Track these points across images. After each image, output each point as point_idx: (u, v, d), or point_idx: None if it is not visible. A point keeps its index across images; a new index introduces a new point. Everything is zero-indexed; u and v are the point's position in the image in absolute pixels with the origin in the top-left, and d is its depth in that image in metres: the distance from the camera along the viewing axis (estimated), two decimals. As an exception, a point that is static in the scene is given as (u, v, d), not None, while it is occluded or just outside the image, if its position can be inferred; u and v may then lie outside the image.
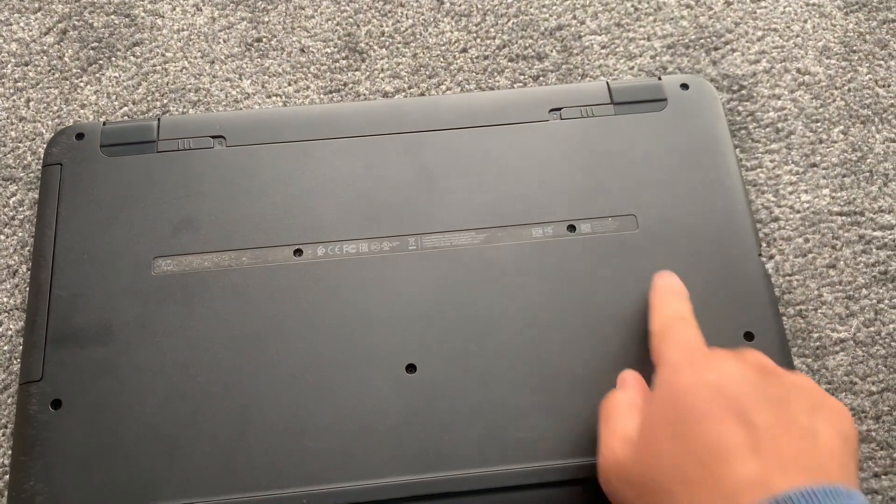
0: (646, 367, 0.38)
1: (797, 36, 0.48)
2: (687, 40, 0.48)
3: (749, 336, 0.39)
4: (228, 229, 0.41)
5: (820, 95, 0.46)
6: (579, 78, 0.47)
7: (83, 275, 0.39)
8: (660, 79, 0.45)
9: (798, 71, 0.47)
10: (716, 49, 0.48)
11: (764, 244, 0.43)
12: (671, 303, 0.37)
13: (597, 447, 0.34)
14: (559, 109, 0.44)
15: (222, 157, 0.42)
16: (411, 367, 0.38)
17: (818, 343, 0.41)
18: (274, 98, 0.46)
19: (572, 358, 0.38)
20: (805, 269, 0.42)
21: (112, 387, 0.37)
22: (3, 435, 0.39)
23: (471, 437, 0.36)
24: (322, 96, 0.46)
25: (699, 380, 0.31)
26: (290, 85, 0.47)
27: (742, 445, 0.28)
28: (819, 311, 0.41)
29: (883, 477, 0.38)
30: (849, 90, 0.47)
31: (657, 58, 0.48)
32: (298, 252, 0.40)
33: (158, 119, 0.43)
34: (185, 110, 0.46)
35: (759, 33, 0.48)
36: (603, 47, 0.48)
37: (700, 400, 0.30)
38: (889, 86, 0.47)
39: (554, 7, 0.49)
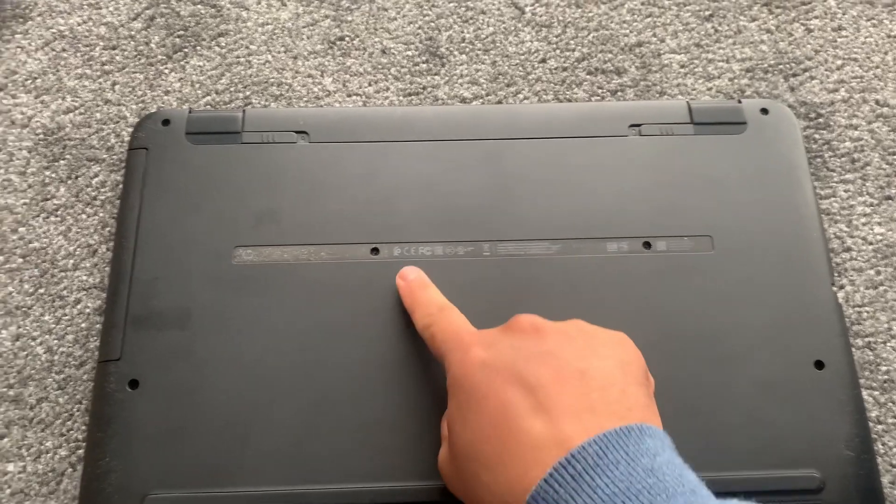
0: (720, 388, 0.38)
1: (877, 67, 0.48)
2: (766, 65, 0.48)
3: (819, 364, 0.39)
4: (308, 224, 0.41)
5: (898, 128, 0.46)
6: (657, 95, 0.47)
7: (164, 259, 0.40)
8: (740, 102, 0.45)
9: (877, 102, 0.47)
10: (794, 75, 0.48)
11: (835, 274, 0.43)
12: (424, 296, 0.38)
13: None
14: (639, 125, 0.44)
15: (304, 152, 0.43)
16: (482, 372, 0.38)
17: (886, 376, 0.41)
18: (354, 97, 0.47)
19: (642, 374, 0.38)
20: (875, 302, 0.42)
21: (188, 371, 0.38)
22: (78, 410, 0.39)
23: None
24: (401, 98, 0.47)
25: (473, 362, 0.31)
26: (370, 85, 0.47)
27: (527, 410, 0.28)
28: (888, 344, 0.41)
29: (947, 515, 0.38)
30: (927, 125, 0.46)
31: (735, 80, 0.48)
32: (375, 251, 0.41)
33: (243, 111, 0.44)
34: (266, 103, 0.46)
35: (839, 62, 0.48)
36: (682, 66, 0.48)
37: (477, 381, 0.30)
38: (968, 123, 0.47)
39: (634, 23, 0.49)
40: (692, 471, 0.28)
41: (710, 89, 0.47)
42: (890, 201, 0.45)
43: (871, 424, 0.39)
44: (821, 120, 0.47)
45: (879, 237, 0.44)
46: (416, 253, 0.41)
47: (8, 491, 0.38)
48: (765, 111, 0.45)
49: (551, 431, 0.27)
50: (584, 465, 0.26)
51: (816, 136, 0.46)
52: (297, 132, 0.43)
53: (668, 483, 0.26)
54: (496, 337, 0.32)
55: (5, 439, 0.39)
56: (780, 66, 0.48)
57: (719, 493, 0.27)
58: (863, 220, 0.44)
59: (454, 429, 0.31)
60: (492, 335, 0.32)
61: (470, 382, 0.31)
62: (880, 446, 0.39)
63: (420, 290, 0.38)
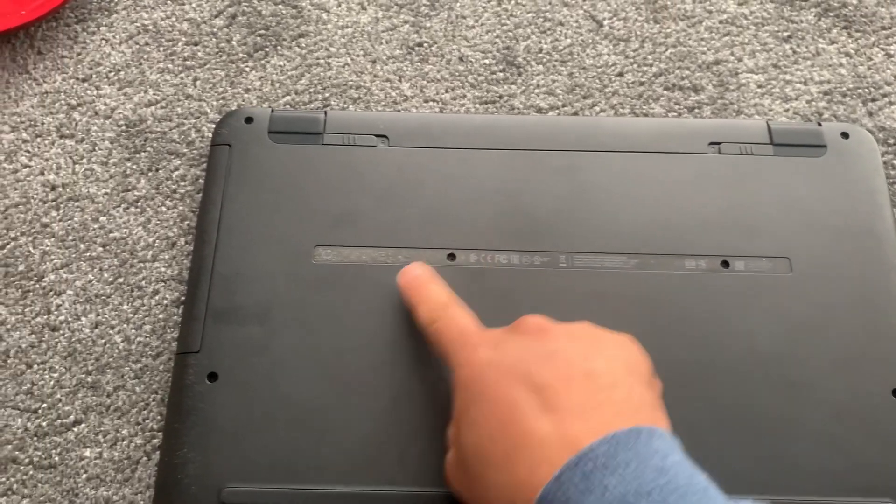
0: (793, 412, 0.38)
1: (958, 95, 0.48)
2: (844, 88, 0.48)
3: (897, 393, 0.38)
4: (386, 227, 0.42)
5: (977, 158, 0.46)
6: (734, 114, 0.47)
7: (245, 254, 0.41)
8: (820, 125, 0.45)
9: (956, 131, 0.47)
10: (873, 100, 0.47)
11: (913, 302, 0.42)
12: (429, 293, 0.37)
13: None
14: (718, 144, 0.44)
15: (384, 156, 0.43)
16: (556, 383, 0.38)
17: (962, 408, 0.40)
18: (431, 103, 0.47)
19: (717, 393, 0.38)
20: (953, 332, 0.42)
21: (267, 366, 0.38)
22: (154, 400, 0.40)
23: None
24: (477, 106, 0.47)
25: (479, 361, 0.31)
26: (447, 92, 0.47)
27: (534, 409, 0.28)
28: (965, 375, 0.41)
29: None
30: None
31: (813, 103, 0.47)
32: (452, 256, 0.41)
33: (325, 112, 0.44)
34: (345, 106, 0.47)
35: (919, 89, 0.48)
36: (759, 86, 0.48)
37: (485, 381, 0.30)
38: None
39: (712, 41, 0.49)
40: (703, 472, 0.28)
41: (787, 110, 0.47)
42: (968, 231, 0.44)
43: (946, 456, 0.39)
44: (899, 146, 0.46)
45: (957, 267, 0.43)
46: (492, 260, 0.41)
47: (84, 476, 0.38)
48: (845, 135, 0.44)
49: (559, 431, 0.27)
50: (594, 465, 0.26)
51: (895, 161, 0.46)
52: (377, 136, 0.44)
53: (679, 482, 0.26)
54: (503, 337, 0.32)
55: (82, 424, 0.39)
56: (859, 91, 0.48)
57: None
58: (940, 249, 0.44)
59: (461, 430, 0.31)
60: (498, 335, 0.33)
61: (477, 382, 0.31)
62: (955, 479, 0.39)
63: (426, 284, 0.37)
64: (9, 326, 0.41)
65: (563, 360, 0.30)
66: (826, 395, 0.38)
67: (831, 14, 0.50)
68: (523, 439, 0.28)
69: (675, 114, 0.47)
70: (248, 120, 0.44)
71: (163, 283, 0.42)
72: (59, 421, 0.39)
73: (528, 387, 0.29)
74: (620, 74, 0.48)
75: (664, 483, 0.25)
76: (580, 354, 0.30)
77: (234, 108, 0.46)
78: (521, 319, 0.33)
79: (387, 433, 0.37)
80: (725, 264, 0.41)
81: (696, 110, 0.47)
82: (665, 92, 0.47)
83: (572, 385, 0.29)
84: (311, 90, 0.47)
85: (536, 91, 0.48)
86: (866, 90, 0.48)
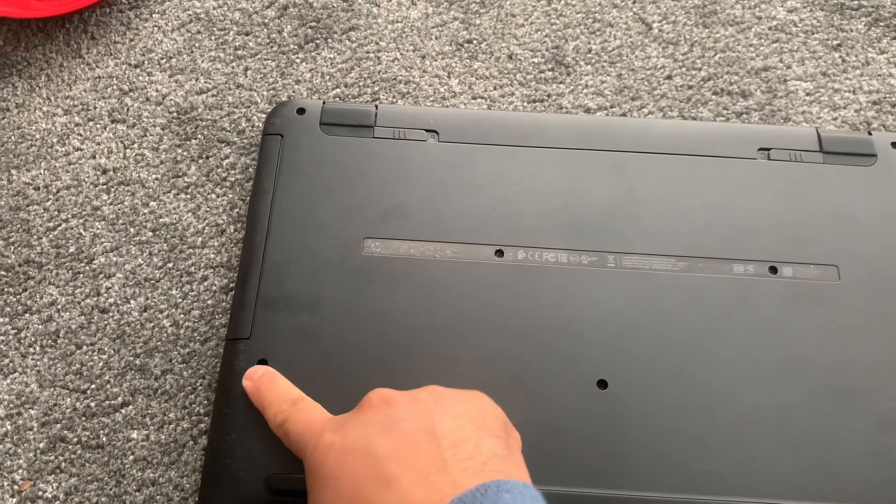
0: (841, 420, 0.38)
1: None
2: (894, 99, 0.48)
3: (946, 404, 0.38)
4: (435, 221, 0.42)
5: None
6: (782, 121, 0.47)
7: (296, 244, 0.41)
8: (870, 133, 0.45)
9: None
10: (922, 111, 0.47)
11: (959, 314, 0.42)
12: (274, 391, 0.36)
13: None
14: (768, 150, 0.44)
15: (434, 151, 0.44)
16: (602, 383, 0.38)
17: None
18: (479, 100, 0.47)
19: (763, 399, 0.38)
20: None
21: (315, 354, 0.39)
22: (201, 385, 0.40)
23: (654, 460, 0.37)
24: (525, 104, 0.47)
25: (324, 447, 0.30)
26: (495, 89, 0.48)
27: (376, 484, 0.28)
28: None
29: None
30: None
31: (861, 112, 0.47)
32: (500, 253, 0.41)
33: (376, 106, 0.45)
34: (394, 100, 0.47)
35: (969, 101, 0.48)
36: (807, 94, 0.48)
37: (328, 464, 0.30)
38: None
39: (761, 48, 0.49)
40: None
41: (835, 119, 0.47)
42: None
43: None
44: (948, 158, 0.46)
45: None
46: (539, 258, 0.41)
47: (131, 457, 0.39)
48: (895, 145, 0.44)
49: (403, 502, 0.27)
50: None
51: (943, 173, 0.46)
52: (427, 130, 0.44)
53: None
54: (347, 419, 0.32)
55: (130, 406, 0.40)
56: (908, 101, 0.48)
57: None
58: None
59: None
60: (344, 418, 0.32)
61: (323, 467, 0.30)
62: None
63: (269, 385, 0.36)
64: (59, 307, 0.42)
65: (405, 426, 0.30)
66: (873, 404, 0.38)
67: (881, 24, 0.50)
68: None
69: (724, 118, 0.47)
70: (301, 111, 0.44)
71: (212, 270, 0.43)
72: (107, 402, 0.40)
73: (370, 461, 0.29)
74: (669, 77, 0.48)
75: None
76: (423, 417, 0.30)
77: (284, 99, 0.47)
78: (366, 396, 0.32)
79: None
80: (773, 270, 0.41)
81: (745, 115, 0.47)
82: (713, 96, 0.48)
83: (416, 450, 0.29)
84: (361, 83, 0.48)
85: (585, 91, 0.48)
86: (915, 101, 0.48)
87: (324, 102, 0.45)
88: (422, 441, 0.29)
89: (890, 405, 0.38)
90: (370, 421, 0.31)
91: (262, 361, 0.38)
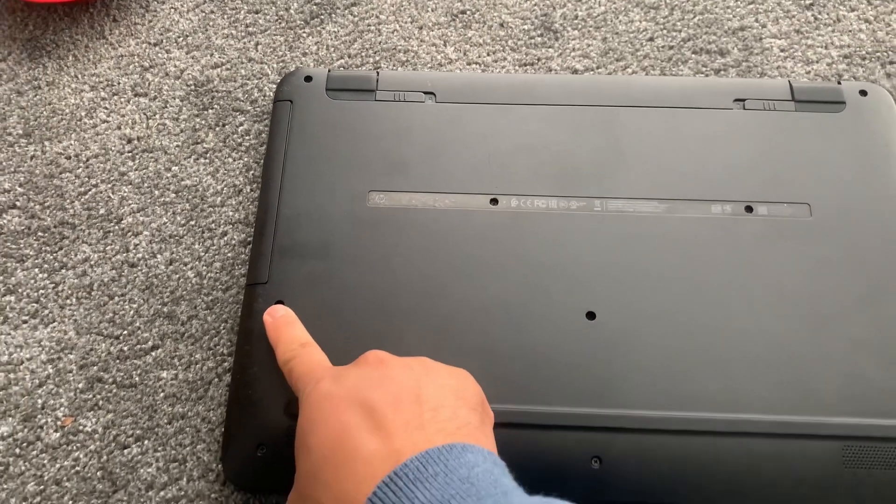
0: (817, 345, 0.41)
1: (973, 58, 0.50)
2: (864, 52, 0.51)
3: (913, 326, 0.41)
4: (434, 174, 0.45)
5: None
6: (758, 76, 0.50)
7: (307, 198, 0.45)
8: (839, 83, 0.48)
9: (971, 91, 0.49)
10: (891, 63, 0.50)
11: (926, 247, 0.45)
12: (289, 332, 0.39)
13: None
14: (743, 100, 0.47)
15: (432, 111, 0.47)
16: (591, 315, 0.42)
17: (972, 344, 0.43)
18: (474, 65, 0.51)
19: (742, 326, 0.41)
20: (964, 276, 0.45)
21: (327, 296, 0.42)
22: (224, 328, 0.44)
23: (639, 381, 0.40)
24: (517, 68, 0.51)
25: (319, 393, 0.33)
26: (489, 55, 0.51)
27: (364, 429, 0.30)
28: (975, 315, 0.44)
29: None
30: None
31: (833, 66, 0.50)
32: (494, 201, 0.45)
33: (377, 72, 0.48)
34: (394, 68, 0.51)
35: (935, 52, 0.51)
36: (782, 50, 0.51)
37: (321, 409, 0.32)
38: None
39: (738, 9, 0.52)
40: (514, 481, 0.30)
41: (808, 73, 0.50)
42: (981, 184, 0.47)
43: (956, 387, 0.42)
44: (916, 105, 0.49)
45: (970, 216, 0.46)
46: (531, 205, 0.45)
47: (162, 394, 0.42)
48: (863, 93, 0.47)
49: (385, 448, 0.30)
50: (406, 479, 0.28)
51: (911, 119, 0.49)
52: (425, 93, 0.48)
53: (480, 487, 0.28)
54: (346, 370, 0.35)
55: (159, 349, 0.43)
56: (878, 54, 0.51)
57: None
58: (954, 199, 0.46)
59: (299, 460, 0.33)
60: (342, 369, 0.35)
61: (314, 411, 0.33)
62: (965, 408, 0.42)
63: (285, 326, 0.40)
64: (92, 263, 0.46)
65: (395, 385, 0.33)
66: (845, 327, 0.41)
67: (852, -17, 0.53)
68: (352, 456, 0.30)
69: (703, 75, 0.50)
70: (308, 79, 0.48)
71: (231, 226, 0.46)
72: (138, 346, 0.43)
73: (360, 409, 0.31)
74: (651, 39, 0.51)
75: (466, 489, 0.28)
76: (412, 380, 0.33)
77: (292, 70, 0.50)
78: (364, 354, 0.35)
79: (433, 355, 0.41)
80: (749, 209, 0.44)
81: (723, 72, 0.50)
82: (693, 55, 0.51)
83: (401, 406, 0.31)
84: (363, 54, 0.51)
85: (572, 55, 0.51)
86: (885, 54, 0.51)
87: (329, 70, 0.48)
88: (407, 400, 0.32)
89: (860, 329, 0.41)
90: (365, 376, 0.34)
91: (279, 303, 0.42)
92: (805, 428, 0.39)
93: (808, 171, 0.45)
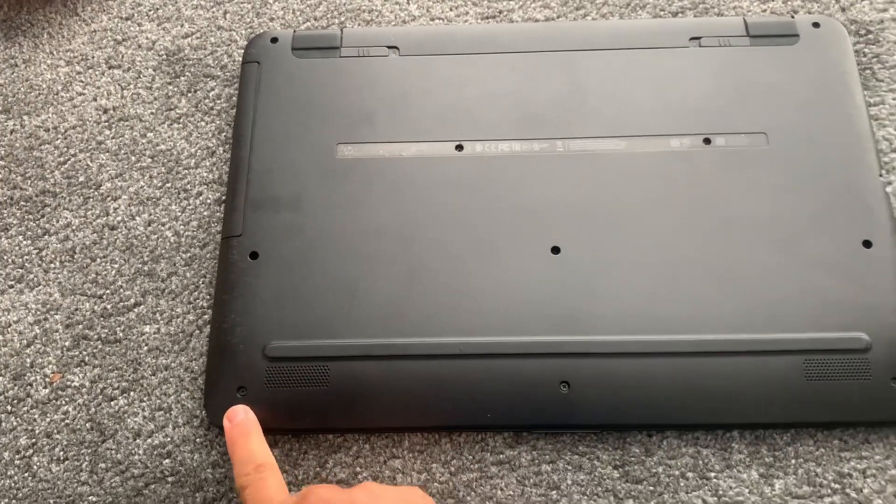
0: (776, 265, 0.42)
1: (925, -12, 0.51)
2: (818, -12, 0.52)
3: (867, 244, 0.42)
4: (400, 124, 0.47)
5: (945, 43, 0.50)
6: (716, 15, 0.51)
7: (277, 153, 0.46)
8: (793, 17, 0.49)
9: (924, 20, 0.50)
10: (845, -3, 0.51)
11: (884, 170, 0.46)
12: (243, 450, 0.37)
13: None
14: (699, 38, 0.48)
15: (396, 64, 0.48)
16: (556, 249, 0.43)
17: (931, 261, 0.44)
18: (437, 21, 0.52)
19: (703, 251, 0.42)
20: (922, 196, 0.46)
21: (300, 244, 0.43)
22: (203, 283, 0.45)
23: (605, 308, 0.41)
24: (479, 21, 0.52)
25: None
26: (451, 10, 0.52)
27: None
28: (934, 233, 0.45)
29: None
30: (973, 39, 0.50)
31: (789, 2, 0.51)
32: (460, 147, 0.46)
33: (341, 29, 0.49)
34: (359, 27, 0.52)
35: (888, -16, 0.51)
36: (738, -10, 0.52)
37: None
38: None
39: (693, -47, 0.53)
40: None
41: (765, 10, 0.51)
42: (936, 107, 0.48)
43: (916, 301, 0.43)
44: (870, 36, 0.50)
45: (926, 139, 0.47)
46: (496, 149, 0.46)
47: (145, 348, 0.44)
48: (816, 25, 0.48)
49: None
50: None
51: (866, 50, 0.50)
52: (388, 47, 0.49)
53: None
54: None
55: (142, 306, 0.45)
56: (832, -11, 0.52)
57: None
58: (910, 124, 0.47)
59: None
60: None
61: None
62: (925, 321, 0.43)
63: (241, 437, 0.38)
64: (74, 228, 0.47)
65: None
66: (803, 248, 0.42)
67: (805, -77, 0.54)
68: None
69: (661, 18, 0.51)
70: (274, 40, 0.49)
71: (205, 186, 0.48)
72: (121, 304, 0.45)
73: None
74: (609, -13, 0.52)
75: None
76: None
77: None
78: (306, 494, 0.34)
79: (404, 295, 0.42)
80: (707, 141, 0.45)
81: (680, 14, 0.51)
82: (651, 0, 0.52)
83: None
84: (329, 16, 0.53)
85: (533, 6, 0.52)
86: (839, -12, 0.52)
87: (294, 31, 0.50)
88: None
89: (815, 249, 0.42)
90: None
91: (254, 254, 0.43)
92: (767, 345, 0.40)
93: (764, 102, 0.46)
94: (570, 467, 0.40)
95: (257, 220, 0.44)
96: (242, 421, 0.39)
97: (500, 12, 0.52)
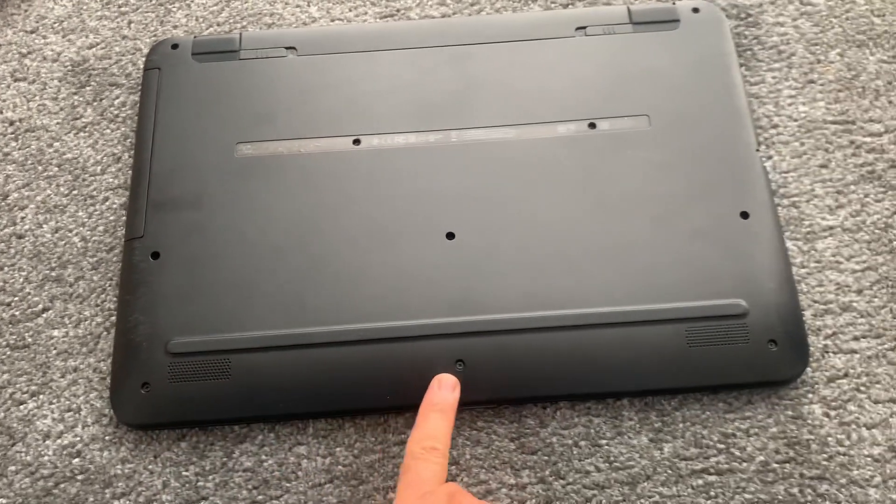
0: (658, 239, 0.44)
1: (801, -28, 0.54)
2: (700, -25, 0.54)
3: (745, 214, 0.44)
4: (299, 121, 0.48)
5: (820, 23, 0.52)
6: (604, 5, 0.53)
7: (178, 155, 0.47)
8: (674, 3, 0.51)
9: (801, 2, 0.53)
10: (727, -17, 0.54)
11: (763, 146, 0.48)
12: (427, 428, 0.38)
13: None
14: (584, 28, 0.50)
15: (294, 64, 0.50)
16: (451, 235, 0.45)
17: (809, 229, 0.46)
18: (337, 22, 0.54)
19: (590, 229, 0.44)
20: (800, 168, 0.48)
21: (202, 243, 0.45)
22: (110, 286, 0.46)
23: (497, 288, 0.43)
24: (378, 20, 0.53)
25: None
26: (350, 11, 0.54)
27: None
28: (811, 202, 0.47)
29: (861, 339, 0.43)
30: (846, 18, 0.52)
31: (674, -10, 0.54)
32: (357, 141, 0.47)
33: (240, 33, 0.51)
34: (260, 30, 0.53)
35: (767, -30, 0.54)
36: (624, -19, 0.54)
37: None
38: (884, 15, 0.52)
39: (583, -53, 0.55)
40: None
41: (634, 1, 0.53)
42: (812, 84, 0.50)
43: (795, 269, 0.45)
44: (750, 19, 0.52)
45: (803, 114, 0.49)
46: (392, 142, 0.47)
47: (55, 352, 0.45)
48: (696, 10, 0.51)
49: None
50: None
51: (747, 32, 0.52)
52: (286, 48, 0.50)
53: None
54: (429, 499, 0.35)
55: (50, 311, 0.46)
56: (714, -24, 0.54)
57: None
58: (788, 101, 0.50)
59: None
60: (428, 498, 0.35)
61: None
62: (804, 286, 0.45)
63: (433, 416, 0.38)
64: (-19, 238, 0.48)
65: None
66: (684, 222, 0.44)
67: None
68: None
69: (551, 10, 0.53)
70: (174, 46, 0.51)
71: (112, 192, 0.49)
72: (29, 310, 0.46)
73: None
74: (503, -18, 0.54)
75: None
76: None
77: (164, 42, 0.53)
78: (456, 490, 0.35)
79: (304, 287, 0.43)
80: (592, 126, 0.47)
81: (571, 6, 0.53)
82: (542, -7, 0.54)
83: None
84: (231, 21, 0.54)
85: (429, 3, 0.54)
86: (721, -25, 0.54)
87: (195, 36, 0.51)
88: None
89: (695, 222, 0.44)
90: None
91: (156, 254, 0.44)
92: (651, 315, 0.42)
93: (647, 85, 0.48)
94: (468, 442, 0.42)
95: (159, 221, 0.45)
96: (445, 399, 0.39)
97: (398, 10, 0.54)
